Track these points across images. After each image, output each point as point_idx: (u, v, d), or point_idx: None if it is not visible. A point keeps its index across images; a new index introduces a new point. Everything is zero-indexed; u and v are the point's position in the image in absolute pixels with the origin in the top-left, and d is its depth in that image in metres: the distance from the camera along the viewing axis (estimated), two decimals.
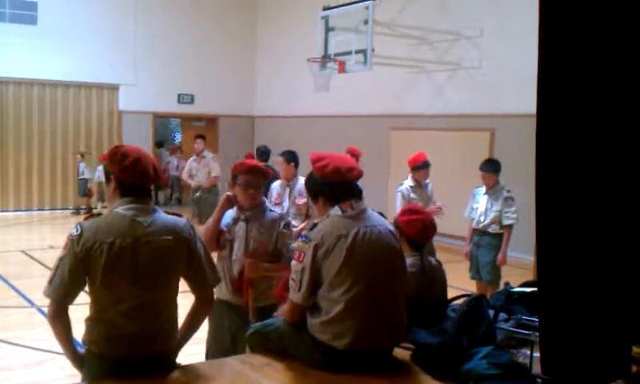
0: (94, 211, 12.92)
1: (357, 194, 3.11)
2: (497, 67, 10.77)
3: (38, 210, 14.65)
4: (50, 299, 2.76)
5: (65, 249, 2.73)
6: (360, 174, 3.16)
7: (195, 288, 2.96)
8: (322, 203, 3.10)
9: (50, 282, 2.74)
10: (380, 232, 3.02)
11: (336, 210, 3.02)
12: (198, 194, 10.62)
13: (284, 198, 6.94)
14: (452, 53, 11.52)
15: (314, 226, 3.01)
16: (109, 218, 2.77)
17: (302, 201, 6.73)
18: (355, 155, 8.03)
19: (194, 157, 10.96)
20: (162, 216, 2.85)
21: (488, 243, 6.73)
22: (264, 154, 9.49)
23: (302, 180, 6.72)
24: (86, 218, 2.81)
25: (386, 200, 10.76)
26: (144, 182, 2.82)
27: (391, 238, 3.07)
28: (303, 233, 3.05)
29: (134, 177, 2.78)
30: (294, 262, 3.01)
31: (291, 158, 6.95)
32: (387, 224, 3.14)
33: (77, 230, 2.71)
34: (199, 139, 11.04)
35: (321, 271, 2.91)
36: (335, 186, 3.06)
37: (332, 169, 3.06)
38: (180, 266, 2.85)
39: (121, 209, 2.77)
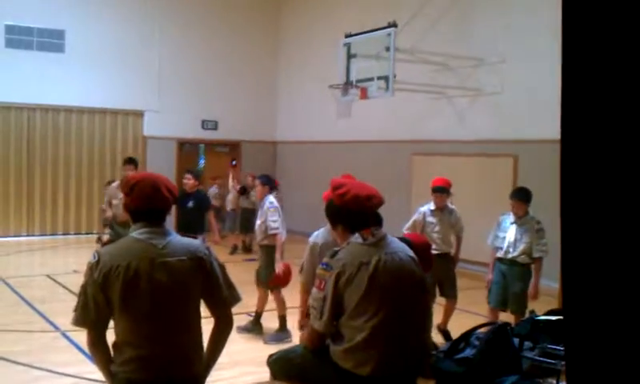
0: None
1: (377, 221, 3.10)
2: (519, 92, 10.74)
3: (64, 234, 14.81)
4: (84, 328, 2.83)
5: (85, 277, 2.81)
6: (380, 202, 3.15)
7: (213, 308, 2.99)
8: (342, 230, 3.10)
9: (75, 310, 2.81)
10: (401, 259, 3.00)
11: (356, 238, 3.01)
12: (110, 230, 9.43)
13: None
14: (474, 78, 11.52)
15: (335, 253, 3.01)
16: (124, 243, 2.86)
17: (259, 220, 7.17)
18: None
19: (117, 182, 9.48)
20: (177, 238, 2.92)
21: (518, 273, 6.47)
22: (199, 175, 9.28)
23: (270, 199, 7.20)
24: (103, 245, 2.88)
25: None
26: (148, 206, 2.87)
27: (412, 264, 3.06)
28: (324, 260, 3.04)
29: (137, 202, 2.87)
30: (314, 290, 3.00)
31: (266, 181, 7.42)
32: (408, 250, 3.13)
33: (94, 258, 2.80)
34: (129, 165, 9.29)
35: (343, 299, 2.90)
36: (354, 214, 3.05)
37: (351, 197, 3.06)
38: (197, 285, 2.88)
39: (135, 233, 2.85)
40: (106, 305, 2.75)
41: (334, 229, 3.21)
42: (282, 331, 7.03)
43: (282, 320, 7.08)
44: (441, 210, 6.96)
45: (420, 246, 3.38)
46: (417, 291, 3.04)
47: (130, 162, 9.36)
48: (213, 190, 14.52)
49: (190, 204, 8.24)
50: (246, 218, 12.41)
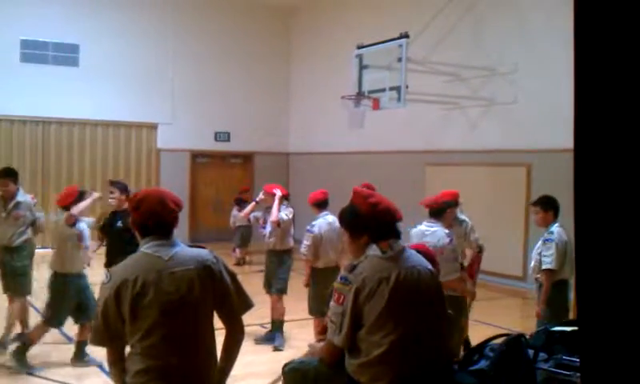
0: None
1: (397, 234, 3.09)
2: (532, 102, 10.69)
3: None
4: (103, 346, 2.91)
5: (100, 297, 2.89)
6: (401, 217, 3.18)
7: (224, 316, 3.00)
8: (365, 241, 3.05)
9: (93, 330, 2.91)
10: (420, 272, 2.99)
11: (375, 250, 2.99)
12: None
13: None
14: (486, 88, 11.50)
15: (354, 267, 2.98)
16: (133, 258, 2.91)
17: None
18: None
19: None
20: (184, 248, 2.96)
21: (537, 295, 5.96)
22: (126, 188, 7.04)
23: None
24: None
25: None
26: (156, 220, 2.92)
27: (431, 278, 3.04)
28: (343, 274, 3.00)
29: (145, 217, 2.92)
30: (332, 304, 2.98)
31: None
32: (426, 263, 3.11)
33: (107, 277, 2.88)
34: (6, 180, 6.93)
35: (362, 314, 2.88)
36: (384, 225, 3.05)
37: (384, 208, 3.06)
38: (207, 294, 2.90)
39: (144, 248, 2.90)
40: (120, 321, 2.80)
41: (355, 240, 3.07)
42: (277, 332, 7.28)
43: (278, 324, 7.33)
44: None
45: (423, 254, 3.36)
46: (436, 305, 3.03)
47: (8, 174, 7.08)
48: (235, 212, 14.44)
49: (119, 224, 6.35)
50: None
